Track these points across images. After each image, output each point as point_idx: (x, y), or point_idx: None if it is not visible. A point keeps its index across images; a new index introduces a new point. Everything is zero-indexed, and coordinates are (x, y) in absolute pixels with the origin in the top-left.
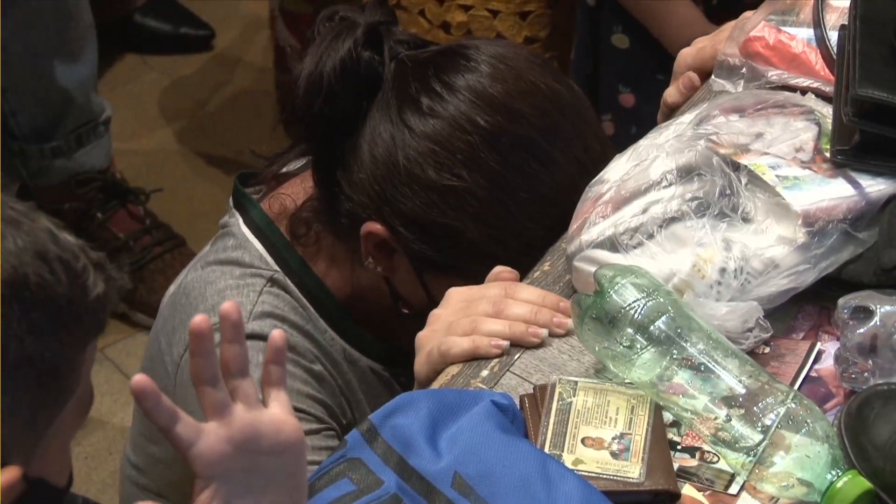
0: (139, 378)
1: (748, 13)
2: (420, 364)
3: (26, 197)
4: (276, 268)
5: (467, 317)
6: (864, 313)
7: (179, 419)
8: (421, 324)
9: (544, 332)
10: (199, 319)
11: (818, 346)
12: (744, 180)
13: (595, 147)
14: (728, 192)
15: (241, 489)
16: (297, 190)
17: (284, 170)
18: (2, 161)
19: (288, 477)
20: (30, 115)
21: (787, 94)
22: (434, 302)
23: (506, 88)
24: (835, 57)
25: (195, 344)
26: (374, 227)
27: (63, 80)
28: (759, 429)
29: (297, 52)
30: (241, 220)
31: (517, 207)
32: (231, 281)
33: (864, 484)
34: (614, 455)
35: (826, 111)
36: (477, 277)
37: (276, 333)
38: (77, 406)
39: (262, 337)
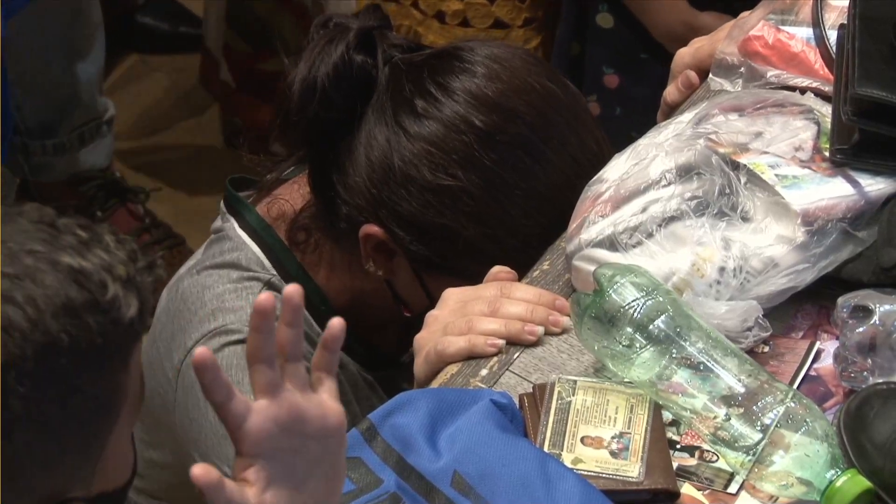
0: (202, 351)
1: (745, 13)
2: (419, 365)
3: (27, 193)
4: (273, 271)
5: (463, 317)
6: (864, 312)
7: (234, 395)
8: (411, 328)
9: (540, 329)
10: (263, 297)
11: (817, 345)
12: (743, 179)
13: (591, 146)
14: (727, 191)
15: (285, 471)
16: (293, 194)
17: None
18: (5, 156)
19: (330, 463)
20: (34, 110)
21: (786, 93)
22: (435, 303)
23: (501, 88)
24: (834, 56)
25: (257, 320)
26: (372, 229)
27: (69, 77)
28: (759, 428)
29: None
30: (235, 224)
31: (513, 206)
32: (229, 285)
33: (864, 483)
34: (613, 454)
35: (825, 110)
36: (476, 277)
37: (336, 321)
38: (129, 410)
39: None
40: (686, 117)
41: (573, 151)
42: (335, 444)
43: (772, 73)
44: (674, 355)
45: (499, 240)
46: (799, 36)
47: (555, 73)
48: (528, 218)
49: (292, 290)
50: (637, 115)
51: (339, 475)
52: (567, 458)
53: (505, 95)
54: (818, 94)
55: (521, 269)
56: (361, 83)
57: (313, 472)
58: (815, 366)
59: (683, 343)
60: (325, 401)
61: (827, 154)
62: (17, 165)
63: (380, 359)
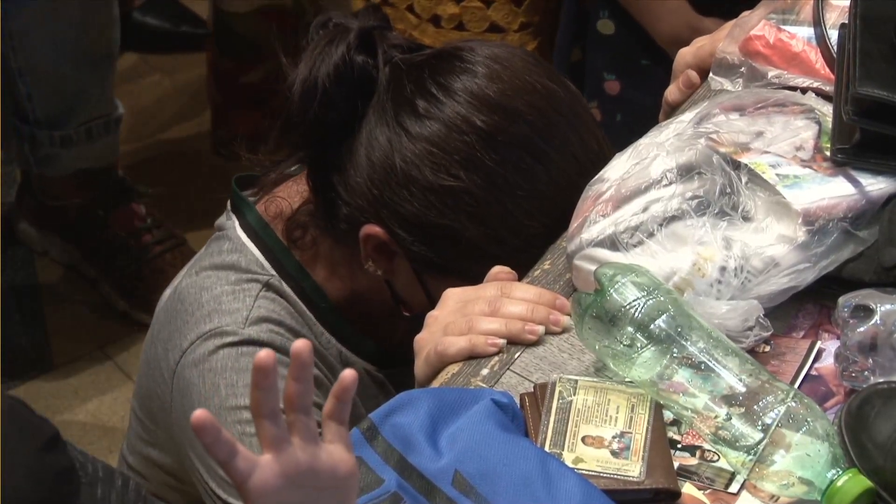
0: (200, 413)
1: (746, 12)
2: (419, 366)
3: (29, 186)
4: (272, 272)
5: (464, 317)
6: (865, 312)
7: (238, 452)
8: (420, 325)
9: (541, 329)
10: (263, 354)
11: (818, 344)
12: (744, 179)
13: (592, 145)
14: (728, 190)
15: None
16: (291, 192)
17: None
18: (12, 146)
19: None
20: (44, 101)
21: (787, 92)
22: (435, 303)
23: (501, 88)
24: (835, 55)
25: (257, 377)
26: (373, 229)
27: (80, 71)
28: (760, 427)
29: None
30: (237, 224)
31: (515, 206)
32: (227, 287)
33: (865, 482)
34: (614, 453)
35: (826, 110)
36: (477, 278)
37: (349, 373)
38: None
39: (259, 343)
40: (687, 117)
41: (575, 151)
42: (344, 494)
43: (773, 73)
44: (675, 355)
45: (501, 240)
46: (800, 35)
47: (554, 73)
48: (531, 218)
49: (301, 346)
50: (638, 121)
51: None
52: (568, 458)
53: (506, 95)
54: (819, 93)
55: (523, 270)
56: (362, 84)
57: None
58: (816, 365)
59: (684, 342)
60: (335, 452)
61: (828, 153)
62: (24, 156)
63: (390, 356)
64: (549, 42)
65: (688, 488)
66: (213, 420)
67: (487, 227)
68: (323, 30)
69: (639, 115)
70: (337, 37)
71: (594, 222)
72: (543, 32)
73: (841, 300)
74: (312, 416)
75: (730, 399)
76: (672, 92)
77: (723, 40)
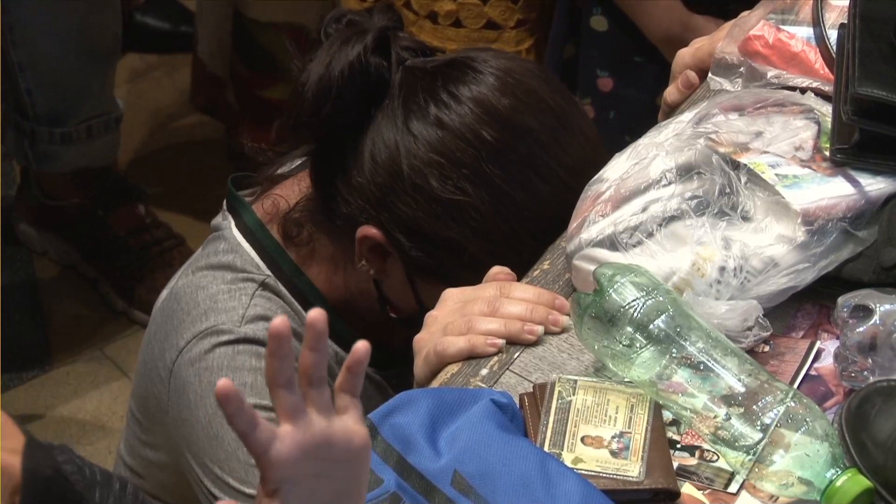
0: (224, 382)
1: (745, 12)
2: (419, 367)
3: (28, 186)
4: (268, 272)
5: (463, 317)
6: (864, 312)
7: (258, 424)
8: (413, 326)
9: (540, 329)
10: (279, 321)
11: (818, 344)
12: (743, 179)
13: (599, 164)
14: (728, 190)
15: (307, 495)
16: (291, 191)
17: (280, 170)
18: (12, 143)
19: (352, 486)
20: (45, 97)
21: (786, 92)
22: (423, 307)
23: (512, 103)
24: (834, 55)
25: (273, 346)
26: (371, 231)
27: (82, 68)
28: (759, 427)
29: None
30: (232, 224)
31: (520, 226)
32: (223, 286)
33: (864, 482)
34: (614, 454)
35: (826, 110)
36: (468, 284)
37: (362, 344)
38: None
39: (255, 341)
40: (686, 117)
41: (582, 170)
42: (358, 466)
43: (772, 73)
44: (674, 355)
45: (501, 255)
46: (799, 35)
47: (561, 86)
48: (534, 237)
49: (316, 314)
50: (631, 118)
51: (361, 495)
52: (567, 458)
53: (516, 111)
54: (818, 93)
55: (520, 278)
56: (376, 85)
57: (336, 495)
58: (815, 365)
59: (683, 343)
60: (350, 424)
61: (827, 153)
62: (23, 152)
63: (388, 357)
64: (545, 39)
65: (687, 488)
66: (237, 390)
67: (490, 244)
68: (336, 24)
69: (632, 112)
70: (353, 37)
71: (593, 222)
72: (540, 29)
73: (840, 300)
74: (327, 388)
75: (729, 399)
76: (671, 93)
77: (722, 40)
